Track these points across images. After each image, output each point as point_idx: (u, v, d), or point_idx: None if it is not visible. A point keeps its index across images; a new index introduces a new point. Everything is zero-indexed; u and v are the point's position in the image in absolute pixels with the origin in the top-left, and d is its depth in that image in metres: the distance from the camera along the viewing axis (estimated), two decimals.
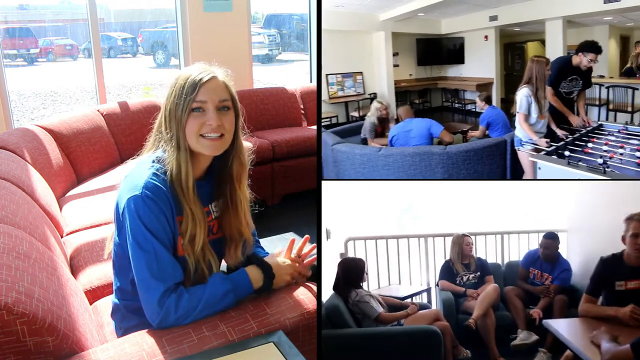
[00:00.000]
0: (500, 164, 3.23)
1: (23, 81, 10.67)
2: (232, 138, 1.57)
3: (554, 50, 4.52)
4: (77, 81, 10.68)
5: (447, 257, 2.63)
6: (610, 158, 2.64)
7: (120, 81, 10.90)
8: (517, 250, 2.87)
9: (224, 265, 1.77)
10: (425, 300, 2.83)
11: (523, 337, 2.26)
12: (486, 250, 2.86)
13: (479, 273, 2.57)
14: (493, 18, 5.28)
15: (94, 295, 2.10)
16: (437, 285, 2.65)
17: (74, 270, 2.31)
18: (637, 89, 4.84)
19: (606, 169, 2.42)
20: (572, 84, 3.40)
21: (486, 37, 5.66)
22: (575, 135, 3.11)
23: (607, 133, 3.28)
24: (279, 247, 1.76)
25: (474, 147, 3.13)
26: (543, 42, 4.97)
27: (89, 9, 4.51)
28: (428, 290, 2.83)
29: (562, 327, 1.96)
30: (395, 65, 5.60)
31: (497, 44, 5.63)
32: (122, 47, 13.71)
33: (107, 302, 1.85)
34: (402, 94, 5.85)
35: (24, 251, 1.58)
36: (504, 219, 2.92)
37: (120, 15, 14.18)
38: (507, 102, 4.90)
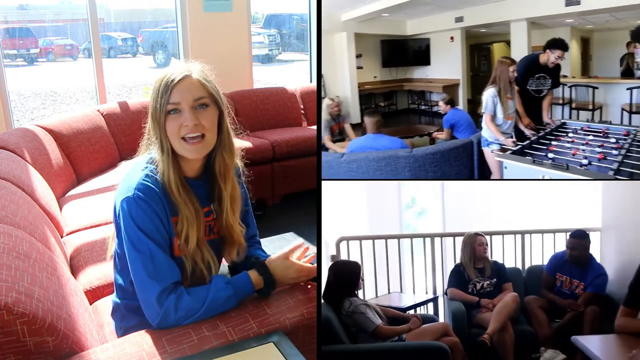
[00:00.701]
0: (468, 164, 3.21)
1: (23, 81, 10.67)
2: (218, 136, 1.53)
3: (519, 51, 4.58)
4: (77, 81, 10.68)
5: (458, 261, 2.33)
6: (573, 155, 2.64)
7: (120, 81, 10.90)
8: (540, 253, 2.54)
9: (224, 265, 1.77)
10: (431, 312, 2.53)
11: (548, 356, 1.94)
12: (504, 253, 2.55)
13: (495, 279, 2.27)
14: (459, 19, 5.30)
15: (94, 295, 2.10)
16: (446, 293, 2.33)
17: (74, 270, 2.31)
18: (597, 88, 4.96)
19: (569, 166, 2.38)
20: (541, 82, 3.41)
21: (452, 38, 5.66)
22: (540, 134, 3.13)
23: (571, 131, 3.31)
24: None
25: (440, 149, 3.08)
26: (509, 43, 4.99)
27: (89, 9, 4.51)
28: (435, 300, 2.56)
29: (595, 344, 1.67)
30: (359, 67, 5.52)
31: (463, 45, 5.63)
32: (122, 47, 13.72)
33: (107, 302, 1.85)
34: (367, 96, 5.78)
35: (24, 251, 1.58)
36: (525, 215, 2.61)
37: (120, 15, 14.18)
38: (474, 103, 4.93)
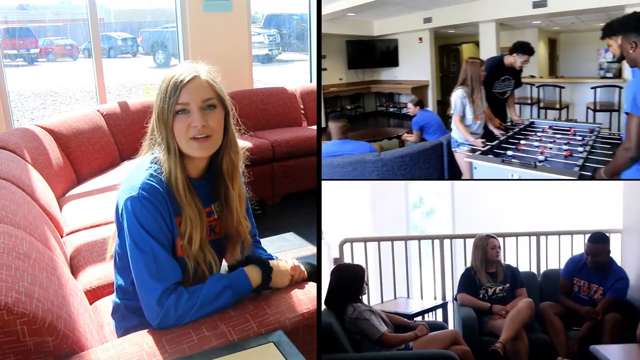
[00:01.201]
0: (438, 166, 3.21)
1: (23, 81, 10.67)
2: (223, 136, 1.55)
3: (488, 51, 4.62)
4: (77, 81, 10.68)
5: (468, 264, 2.20)
6: (541, 153, 2.66)
7: (120, 81, 10.90)
8: (556, 256, 2.43)
9: (224, 266, 1.77)
10: (440, 318, 2.42)
11: None
12: (517, 256, 2.44)
13: (507, 284, 2.15)
14: (427, 20, 5.32)
15: (94, 295, 2.10)
16: (456, 299, 2.21)
17: (74, 270, 2.31)
18: (564, 88, 5.10)
19: (537, 164, 2.39)
20: (505, 84, 3.43)
21: (420, 39, 5.66)
22: (509, 134, 3.16)
23: (540, 130, 3.36)
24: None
25: (409, 152, 3.06)
26: (478, 43, 5.02)
27: (89, 9, 4.50)
28: (444, 306, 2.45)
29: (615, 354, 1.56)
30: (323, 69, 5.48)
31: (432, 46, 5.64)
32: (122, 47, 13.72)
33: (107, 302, 1.85)
34: (332, 99, 5.69)
35: (24, 251, 1.58)
36: (540, 216, 2.52)
37: (120, 15, 14.19)
38: (444, 104, 4.92)
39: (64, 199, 3.23)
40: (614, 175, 1.91)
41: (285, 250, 3.60)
